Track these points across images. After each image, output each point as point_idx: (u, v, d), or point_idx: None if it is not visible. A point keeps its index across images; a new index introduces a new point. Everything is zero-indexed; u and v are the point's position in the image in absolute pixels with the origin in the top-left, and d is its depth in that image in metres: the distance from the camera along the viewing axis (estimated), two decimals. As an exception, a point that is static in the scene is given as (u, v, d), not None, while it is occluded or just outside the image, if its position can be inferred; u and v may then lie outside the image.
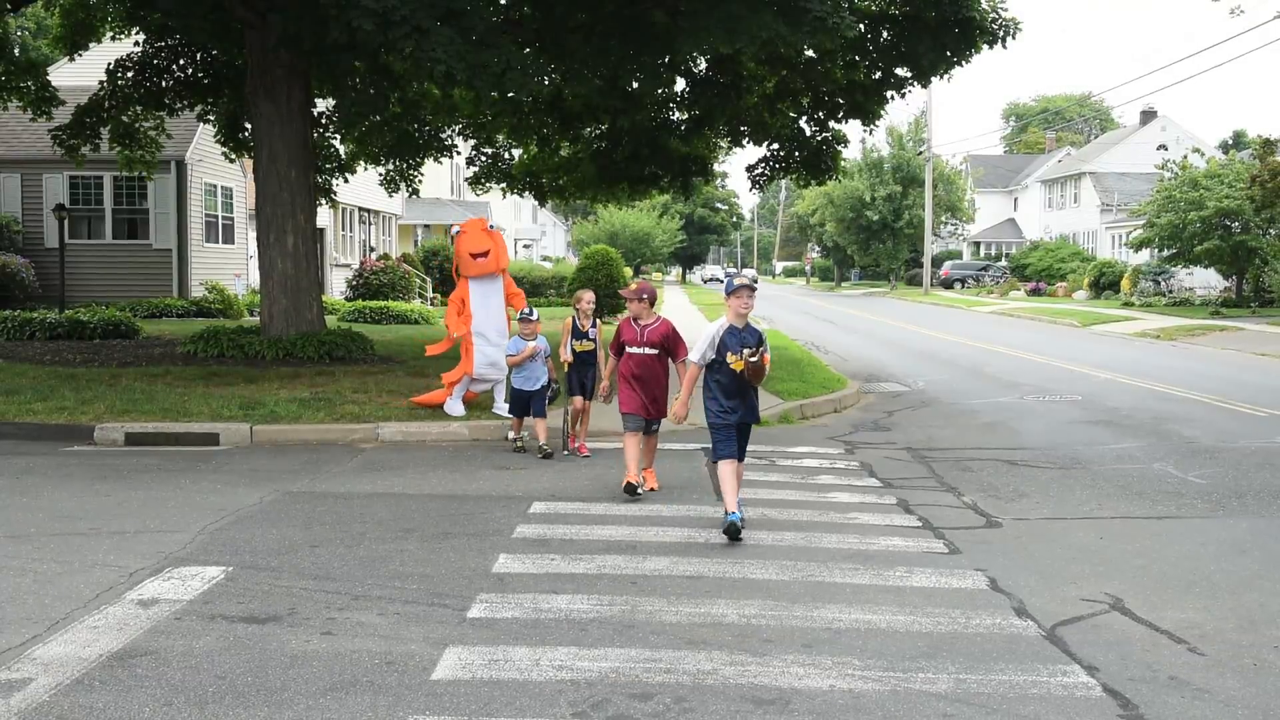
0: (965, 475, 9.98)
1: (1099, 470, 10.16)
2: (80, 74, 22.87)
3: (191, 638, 5.46)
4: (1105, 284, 47.95)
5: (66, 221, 24.24)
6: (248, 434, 11.36)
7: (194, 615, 5.81)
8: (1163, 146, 58.63)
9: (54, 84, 19.31)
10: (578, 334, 10.56)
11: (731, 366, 7.47)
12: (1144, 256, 45.70)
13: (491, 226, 12.52)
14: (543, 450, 10.58)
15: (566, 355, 10.62)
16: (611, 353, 9.20)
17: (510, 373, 11.29)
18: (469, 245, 12.13)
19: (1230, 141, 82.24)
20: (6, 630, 5.53)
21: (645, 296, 8.89)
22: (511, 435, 11.02)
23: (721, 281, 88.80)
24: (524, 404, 10.88)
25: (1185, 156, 40.47)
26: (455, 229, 12.39)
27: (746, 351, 7.41)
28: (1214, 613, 6.06)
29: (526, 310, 11.08)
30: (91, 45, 19.88)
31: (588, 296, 10.57)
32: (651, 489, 8.90)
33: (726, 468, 7.57)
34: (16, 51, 20.02)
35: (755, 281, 8.10)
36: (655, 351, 8.84)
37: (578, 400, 10.63)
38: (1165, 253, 40.08)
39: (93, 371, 14.92)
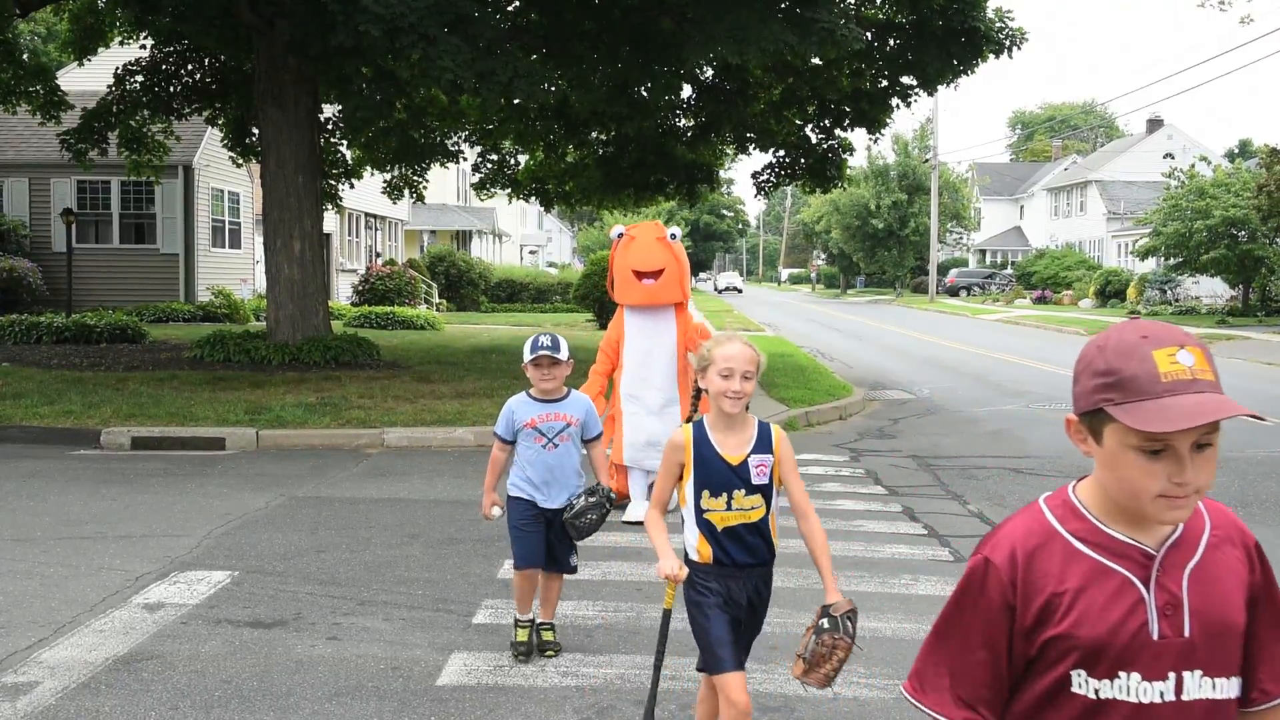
0: (971, 483, 9.97)
1: (1104, 479, 10.14)
2: (89, 79, 22.94)
3: (197, 642, 5.47)
4: (1111, 292, 47.91)
5: (74, 226, 24.28)
6: (253, 439, 11.38)
7: (200, 620, 5.82)
8: (1169, 155, 58.67)
9: (63, 88, 19.38)
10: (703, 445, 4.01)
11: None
12: (1150, 265, 45.67)
13: (673, 236, 8.26)
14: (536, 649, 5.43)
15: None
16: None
17: (515, 466, 5.51)
18: (635, 259, 8.09)
19: (1237, 150, 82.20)
20: (13, 633, 5.55)
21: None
22: (519, 617, 5.45)
23: (740, 291, 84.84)
24: (538, 544, 5.34)
25: (1192, 165, 40.51)
26: (618, 231, 8.45)
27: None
28: (1220, 622, 6.04)
29: (547, 341, 5.28)
30: (100, 50, 19.95)
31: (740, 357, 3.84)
32: None
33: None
34: (25, 56, 20.07)
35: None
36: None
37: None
38: (1171, 261, 40.05)
39: (99, 375, 14.96)
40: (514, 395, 5.46)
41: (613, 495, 5.37)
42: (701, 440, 3.86)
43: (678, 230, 8.34)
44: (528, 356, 5.26)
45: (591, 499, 5.20)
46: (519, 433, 5.34)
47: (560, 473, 5.31)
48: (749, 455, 3.83)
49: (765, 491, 3.85)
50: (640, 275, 8.06)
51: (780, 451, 3.89)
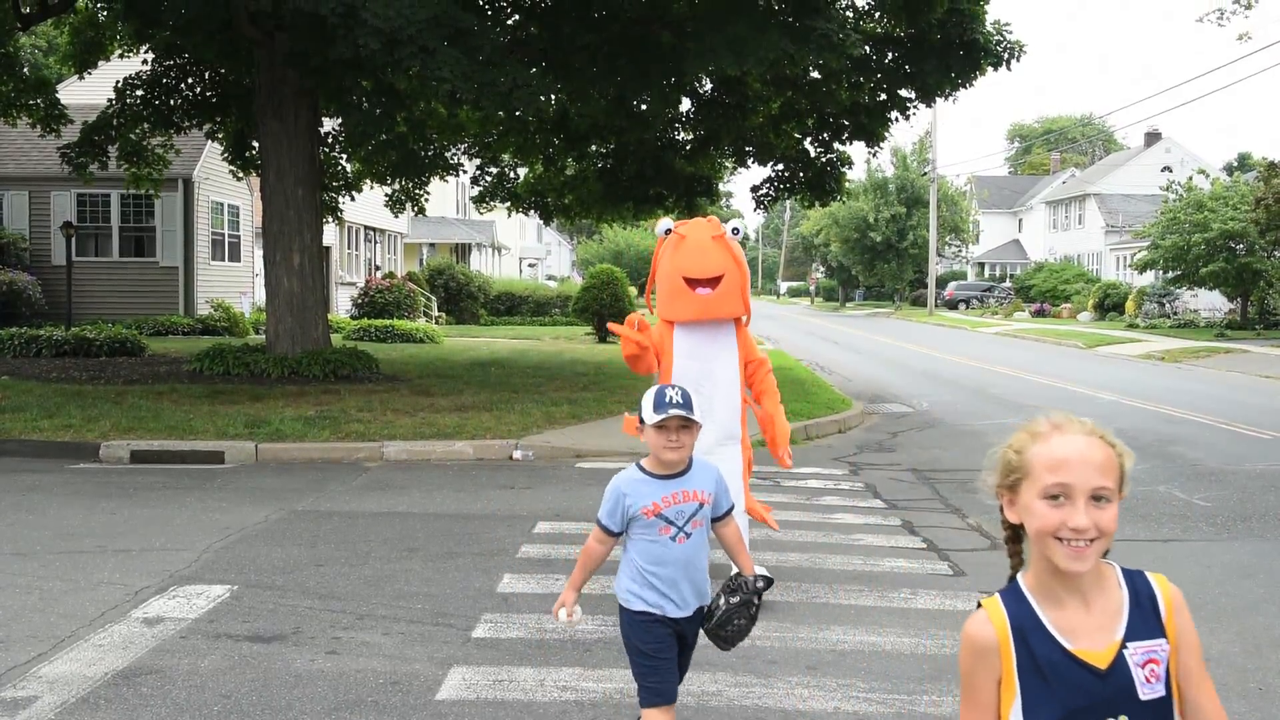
0: (970, 497, 9.96)
1: (1104, 492, 10.14)
2: (89, 92, 23.00)
3: (196, 656, 5.47)
4: (1110, 305, 47.98)
5: (74, 239, 24.32)
6: (253, 452, 11.37)
7: (199, 634, 5.81)
8: (1167, 168, 58.68)
9: (63, 101, 19.43)
10: None
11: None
12: (1149, 278, 45.74)
13: (735, 232, 6.64)
14: None
15: None
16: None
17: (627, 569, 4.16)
18: (686, 262, 6.49)
19: (1235, 164, 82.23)
20: (12, 648, 5.54)
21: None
22: None
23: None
24: (675, 672, 4.14)
25: (1190, 178, 40.59)
26: (665, 226, 6.70)
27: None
28: (1220, 636, 6.04)
29: (679, 397, 3.96)
30: (100, 63, 20.01)
31: (1084, 460, 2.18)
32: None
33: None
34: (26, 70, 20.11)
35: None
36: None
37: None
38: (1170, 274, 40.14)
39: (99, 389, 14.96)
40: (621, 472, 4.07)
41: (760, 584, 4.12)
42: (1026, 625, 2.15)
43: (740, 225, 6.63)
44: (651, 416, 3.91)
45: (735, 599, 4.02)
46: (633, 521, 4.00)
47: (694, 570, 4.03)
48: (1123, 644, 2.11)
49: (1161, 711, 2.10)
50: (694, 283, 6.46)
51: (1176, 626, 2.15)
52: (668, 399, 3.93)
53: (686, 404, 3.92)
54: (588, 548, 4.10)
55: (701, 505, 4.02)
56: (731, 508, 4.17)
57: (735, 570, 4.16)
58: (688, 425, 3.94)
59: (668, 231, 6.65)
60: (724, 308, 6.56)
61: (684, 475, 4.02)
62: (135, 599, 6.39)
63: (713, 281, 6.46)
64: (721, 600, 4.05)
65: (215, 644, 5.66)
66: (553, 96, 16.32)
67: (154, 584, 6.70)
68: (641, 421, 4.01)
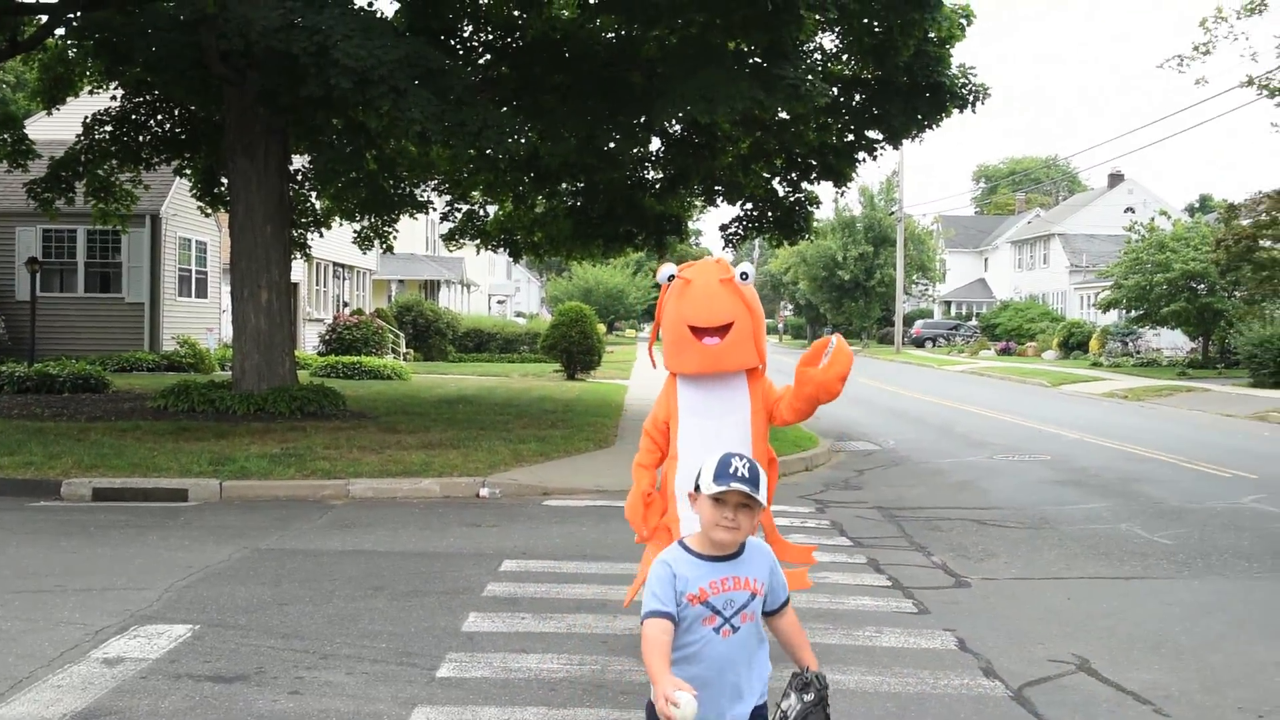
0: (935, 535, 10.03)
1: (1067, 530, 10.23)
2: (58, 127, 22.92)
3: (157, 697, 5.41)
4: (1074, 344, 48.49)
5: (39, 274, 24.14)
6: (217, 490, 11.29)
7: (160, 674, 5.76)
8: (1130, 209, 59.70)
9: (31, 137, 19.36)
10: None
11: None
12: (1112, 317, 46.29)
13: (743, 276, 5.94)
14: None
15: None
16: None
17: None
18: (692, 310, 5.86)
19: (1196, 205, 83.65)
20: (-32, 689, 5.47)
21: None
22: None
23: None
24: None
25: (1152, 219, 41.24)
26: (667, 273, 6.02)
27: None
28: (1179, 674, 6.10)
29: (744, 469, 3.46)
30: (70, 99, 19.95)
31: None
32: None
33: None
34: (-7, 105, 20.04)
35: None
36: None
37: None
38: (1133, 314, 40.66)
39: (61, 426, 14.82)
40: (666, 550, 3.60)
41: (827, 682, 3.54)
42: None
43: (749, 269, 6.05)
44: (709, 485, 3.42)
45: (809, 695, 3.46)
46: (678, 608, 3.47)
47: (734, 669, 3.44)
48: None
49: None
50: (700, 332, 5.82)
51: None
52: (731, 469, 3.41)
53: (753, 480, 3.40)
54: (650, 636, 3.36)
55: (754, 596, 3.48)
56: (788, 599, 3.63)
57: (816, 673, 3.54)
58: (749, 505, 3.41)
59: (671, 278, 5.98)
60: (734, 359, 5.90)
61: (735, 559, 3.49)
62: (95, 639, 6.32)
63: (721, 330, 5.81)
64: (794, 698, 3.48)
65: (176, 684, 5.61)
66: (521, 138, 16.40)
67: (115, 623, 6.63)
68: (697, 488, 3.48)
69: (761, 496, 3.40)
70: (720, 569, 3.43)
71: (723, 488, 3.36)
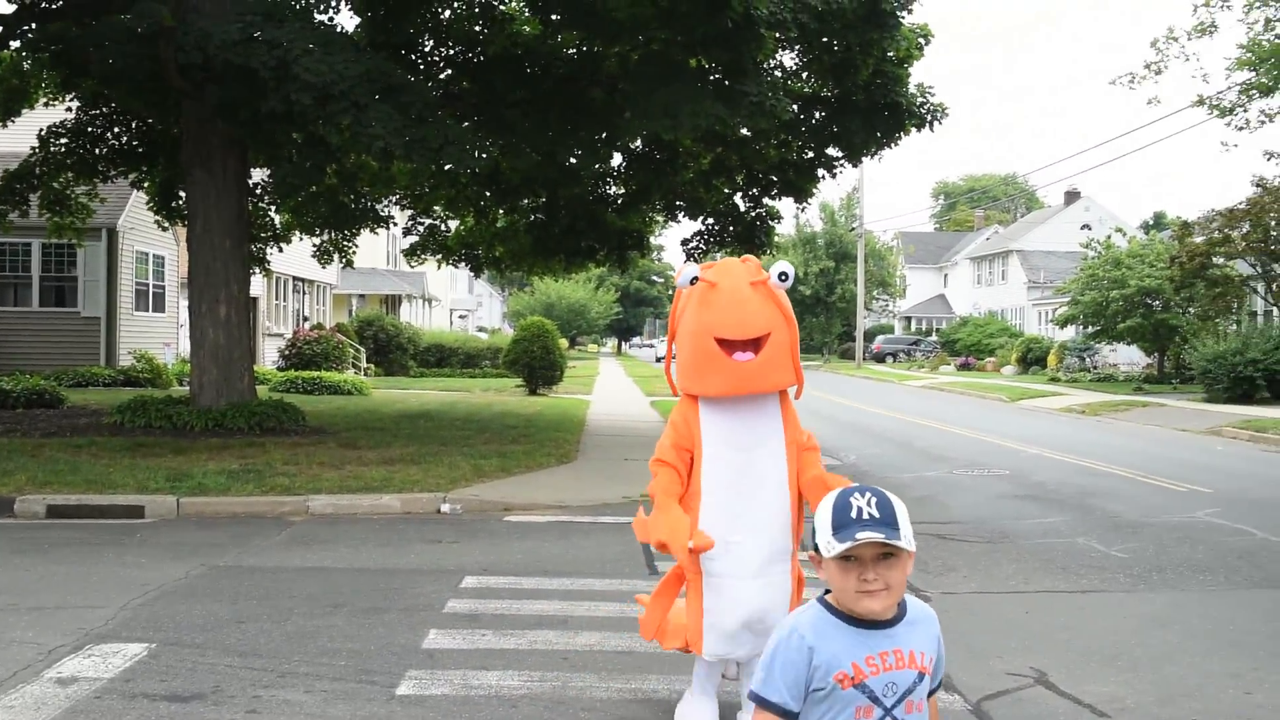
0: (895, 549, 10.07)
1: (1025, 544, 10.32)
2: (12, 139, 22.65)
3: (112, 717, 5.34)
4: (1033, 359, 48.98)
5: (-8, 288, 23.84)
6: (174, 506, 11.16)
7: (115, 694, 5.68)
8: (1086, 226, 60.45)
9: (-16, 149, 19.13)
10: None
11: None
12: (1069, 333, 46.80)
13: (782, 276, 4.97)
14: None
15: None
16: None
17: None
18: (719, 319, 4.90)
19: (1151, 222, 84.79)
20: (-83, 711, 5.37)
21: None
22: None
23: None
24: None
25: (1108, 236, 41.81)
26: (690, 275, 5.04)
27: None
28: (1135, 686, 6.16)
29: (874, 508, 2.60)
30: (25, 111, 19.74)
31: None
32: None
33: None
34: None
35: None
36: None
37: None
38: (1090, 330, 41.14)
39: (14, 442, 14.61)
40: (800, 610, 2.77)
41: None
42: None
43: (789, 268, 5.04)
44: (830, 544, 2.61)
45: None
46: (813, 695, 2.63)
47: None
48: None
49: None
50: (730, 346, 4.84)
51: None
52: (854, 512, 2.56)
53: (887, 520, 2.56)
54: None
55: (921, 676, 2.67)
56: (941, 682, 2.91)
57: None
58: (892, 555, 2.57)
59: (693, 280, 4.97)
60: (770, 378, 4.92)
61: (894, 625, 2.67)
62: (49, 658, 6.23)
63: (755, 344, 4.84)
64: None
65: (131, 704, 5.53)
66: (482, 154, 16.39)
67: (69, 643, 6.54)
68: (816, 550, 2.64)
69: (905, 538, 2.57)
70: (877, 639, 2.63)
71: (848, 544, 2.54)
